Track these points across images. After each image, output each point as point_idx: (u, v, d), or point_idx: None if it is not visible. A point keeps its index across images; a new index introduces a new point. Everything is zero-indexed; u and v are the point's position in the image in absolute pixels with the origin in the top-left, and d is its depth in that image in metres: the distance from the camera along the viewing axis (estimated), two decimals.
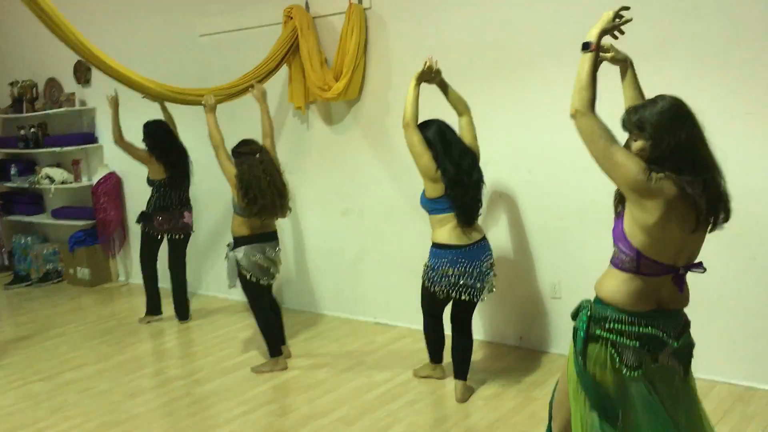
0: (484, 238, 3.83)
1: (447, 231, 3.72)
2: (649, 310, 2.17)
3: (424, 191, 3.79)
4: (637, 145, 2.16)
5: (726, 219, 2.19)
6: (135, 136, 5.49)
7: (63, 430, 3.83)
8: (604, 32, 2.25)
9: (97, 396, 4.26)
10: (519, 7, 4.29)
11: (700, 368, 3.72)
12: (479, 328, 4.72)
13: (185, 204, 5.54)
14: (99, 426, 3.85)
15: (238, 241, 4.39)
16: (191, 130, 5.66)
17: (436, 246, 3.75)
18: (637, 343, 2.16)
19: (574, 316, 2.33)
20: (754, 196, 3.54)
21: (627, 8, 2.30)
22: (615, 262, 2.23)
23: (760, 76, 3.58)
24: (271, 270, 4.43)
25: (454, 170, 3.63)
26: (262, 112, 4.68)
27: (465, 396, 3.88)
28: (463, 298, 3.72)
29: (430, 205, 3.77)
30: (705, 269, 2.22)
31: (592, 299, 2.30)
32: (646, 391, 2.16)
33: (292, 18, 5.06)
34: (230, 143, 4.58)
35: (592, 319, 2.24)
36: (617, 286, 2.19)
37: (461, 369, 3.90)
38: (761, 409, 3.54)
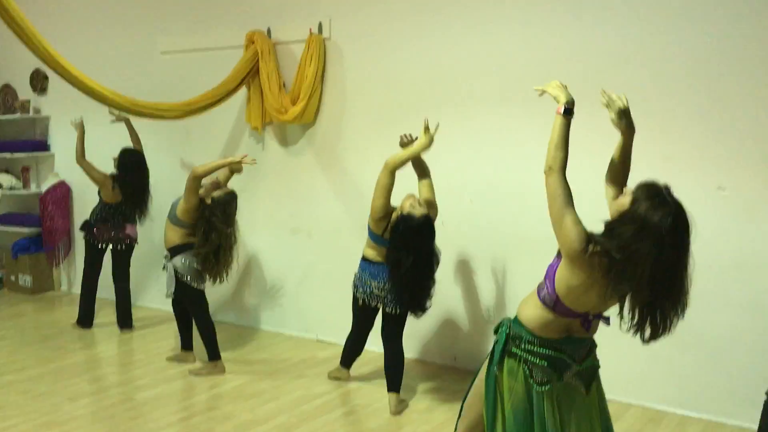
0: None
1: (375, 252, 4.08)
2: (559, 338, 2.46)
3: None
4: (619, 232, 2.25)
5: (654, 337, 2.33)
6: (98, 153, 5.60)
7: (2, 428, 3.87)
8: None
9: (38, 398, 4.30)
10: (468, 46, 4.61)
11: (617, 391, 4.07)
12: (416, 347, 4.96)
13: (128, 218, 5.63)
14: (39, 426, 3.90)
15: (174, 250, 4.58)
16: (152, 143, 5.78)
17: (363, 259, 4.13)
18: (546, 363, 2.45)
19: (496, 330, 2.62)
20: None
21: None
22: (539, 294, 2.49)
23: (677, 125, 3.97)
24: (205, 275, 4.64)
25: (399, 264, 3.80)
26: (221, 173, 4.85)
27: (399, 409, 4.09)
28: (386, 309, 4.05)
29: (372, 235, 4.07)
30: (609, 324, 2.47)
31: (512, 317, 2.58)
32: (548, 405, 2.44)
33: (254, 42, 5.29)
34: (185, 159, 4.78)
35: (510, 337, 2.53)
36: (534, 314, 2.47)
37: (393, 382, 4.13)
38: (670, 430, 3.85)
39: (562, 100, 2.39)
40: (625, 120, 2.52)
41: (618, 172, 2.61)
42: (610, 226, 2.32)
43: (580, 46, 4.21)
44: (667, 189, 2.29)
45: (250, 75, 5.31)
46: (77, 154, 5.58)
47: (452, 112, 4.67)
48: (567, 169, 2.39)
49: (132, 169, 5.47)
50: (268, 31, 5.38)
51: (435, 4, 4.71)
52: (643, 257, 2.18)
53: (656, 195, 2.26)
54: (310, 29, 5.12)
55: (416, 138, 4.03)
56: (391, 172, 3.93)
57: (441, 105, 4.72)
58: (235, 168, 4.76)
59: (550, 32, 4.32)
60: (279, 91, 5.23)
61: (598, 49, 4.16)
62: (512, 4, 4.43)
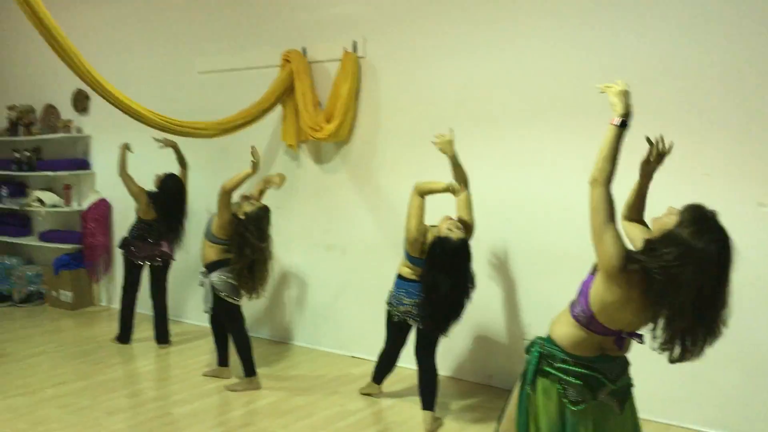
0: None
1: (410, 270, 4.09)
2: (593, 356, 2.42)
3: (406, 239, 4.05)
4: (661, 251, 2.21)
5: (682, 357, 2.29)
6: (138, 172, 5.71)
7: None
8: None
9: (78, 412, 4.37)
10: (501, 63, 4.61)
11: (656, 412, 4.00)
12: (451, 365, 4.93)
13: (164, 235, 5.70)
14: None
15: (211, 267, 4.64)
16: (190, 162, 5.86)
17: (399, 277, 4.15)
18: (581, 381, 2.41)
19: (528, 350, 2.59)
20: None
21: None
22: (573, 311, 2.46)
23: (715, 142, 3.92)
24: (241, 290, 4.69)
25: (436, 289, 3.78)
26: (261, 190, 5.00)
27: (433, 427, 4.06)
28: (417, 326, 4.07)
29: (408, 257, 4.07)
30: (643, 341, 2.42)
31: (545, 336, 2.55)
32: (582, 425, 2.40)
33: (289, 62, 5.37)
34: (222, 176, 4.85)
35: (542, 356, 2.49)
36: (568, 332, 2.44)
37: (427, 400, 4.10)
38: None
39: (619, 110, 2.30)
40: (652, 171, 2.62)
41: (635, 209, 2.65)
42: (651, 245, 2.27)
43: (614, 61, 4.18)
44: (713, 215, 2.23)
45: (285, 93, 5.38)
46: (119, 166, 5.67)
47: (486, 128, 4.68)
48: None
49: (170, 193, 5.54)
50: (304, 50, 5.45)
51: (467, 23, 4.73)
52: (685, 283, 2.13)
53: (703, 220, 2.20)
54: (345, 48, 5.18)
55: (451, 131, 3.98)
56: (419, 195, 3.94)
57: (475, 122, 4.72)
58: (272, 181, 4.86)
59: (584, 48, 4.29)
60: (314, 109, 5.29)
61: (633, 64, 4.12)
62: (545, 20, 4.43)
